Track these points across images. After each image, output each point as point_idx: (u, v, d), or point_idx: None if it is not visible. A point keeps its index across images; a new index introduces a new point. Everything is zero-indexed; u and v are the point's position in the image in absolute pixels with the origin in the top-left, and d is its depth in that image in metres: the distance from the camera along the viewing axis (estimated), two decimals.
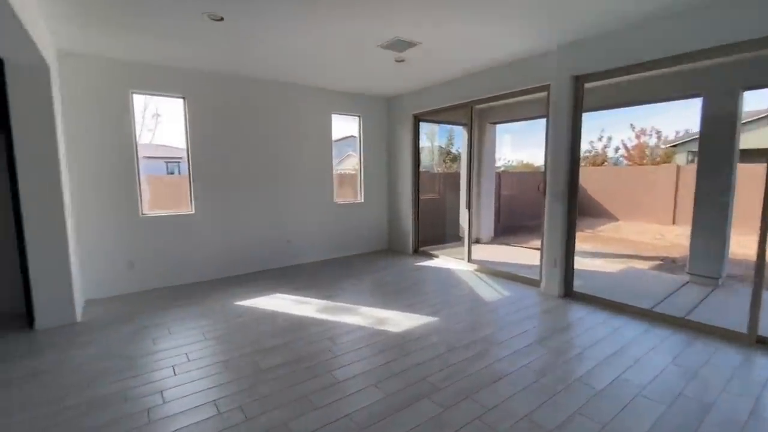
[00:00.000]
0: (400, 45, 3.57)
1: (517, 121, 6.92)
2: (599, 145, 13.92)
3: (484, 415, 2.01)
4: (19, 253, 3.19)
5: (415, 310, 3.50)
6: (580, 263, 3.89)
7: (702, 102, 4.24)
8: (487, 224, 7.20)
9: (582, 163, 3.83)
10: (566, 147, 3.72)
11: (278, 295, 4.01)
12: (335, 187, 5.73)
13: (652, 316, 3.33)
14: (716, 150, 4.17)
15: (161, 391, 2.26)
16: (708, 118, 4.20)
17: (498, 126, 7.15)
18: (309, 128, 5.31)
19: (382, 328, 3.12)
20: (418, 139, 5.80)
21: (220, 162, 4.62)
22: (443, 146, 8.98)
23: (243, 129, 4.76)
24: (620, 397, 2.17)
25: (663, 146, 12.67)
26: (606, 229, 9.25)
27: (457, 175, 7.19)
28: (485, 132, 6.97)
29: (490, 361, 2.56)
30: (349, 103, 5.65)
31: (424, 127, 6.07)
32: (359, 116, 5.84)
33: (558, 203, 3.79)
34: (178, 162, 5.63)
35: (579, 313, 3.45)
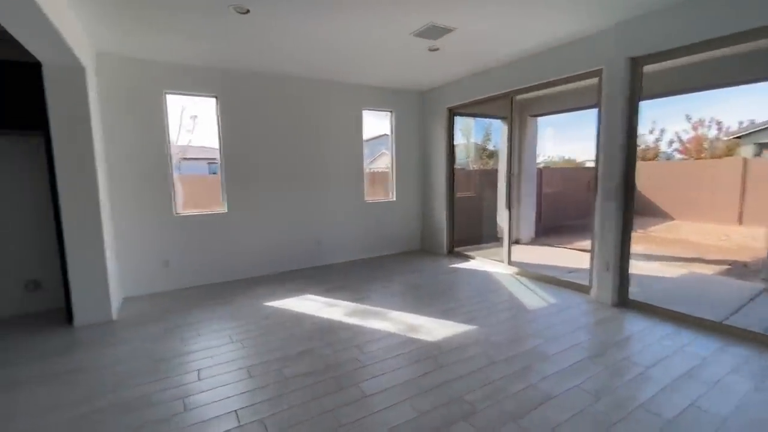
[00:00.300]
0: (434, 32, 3.33)
1: (561, 112, 6.45)
2: (650, 138, 12.87)
3: None
4: (59, 251, 3.27)
5: (450, 317, 3.26)
6: (633, 267, 3.49)
7: None
8: (527, 224, 6.78)
9: None
10: (621, 139, 3.32)
11: (307, 296, 3.90)
12: (366, 185, 5.57)
13: (725, 330, 2.89)
14: None
15: (184, 398, 2.18)
16: None
17: (539, 119, 6.72)
18: (340, 125, 5.18)
19: (414, 335, 2.91)
20: (453, 134, 5.52)
21: (251, 161, 4.59)
22: (479, 143, 8.59)
23: (274, 128, 4.70)
24: (695, 430, 1.84)
25: (725, 138, 11.49)
26: (659, 229, 8.48)
27: (494, 172, 6.82)
28: (526, 125, 6.55)
29: (536, 380, 2.28)
30: (380, 98, 5.47)
31: (459, 123, 5.77)
32: (391, 111, 5.64)
33: (611, 201, 3.41)
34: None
35: (637, 324, 3.06)
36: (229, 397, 2.17)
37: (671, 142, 12.81)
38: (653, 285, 4.28)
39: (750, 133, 10.44)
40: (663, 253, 6.08)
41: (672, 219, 9.40)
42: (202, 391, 2.24)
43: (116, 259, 3.91)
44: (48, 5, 2.16)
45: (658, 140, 12.92)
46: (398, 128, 5.71)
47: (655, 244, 6.79)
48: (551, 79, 3.96)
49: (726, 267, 5.17)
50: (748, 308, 3.46)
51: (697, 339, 2.78)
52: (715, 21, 2.71)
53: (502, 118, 6.27)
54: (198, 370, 2.48)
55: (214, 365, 2.54)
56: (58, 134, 3.07)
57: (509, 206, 4.68)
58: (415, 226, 6.07)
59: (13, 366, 2.61)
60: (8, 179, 3.45)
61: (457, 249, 5.67)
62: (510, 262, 4.70)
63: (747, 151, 10.32)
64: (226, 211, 4.51)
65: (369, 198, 5.64)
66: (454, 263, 5.14)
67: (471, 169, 7.61)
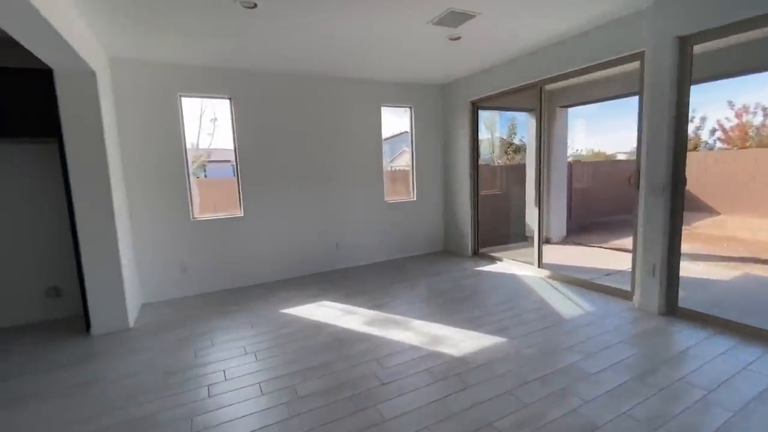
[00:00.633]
0: (453, 19, 3.07)
1: (594, 102, 6.02)
2: (690, 128, 11.99)
3: None
4: (76, 258, 3.24)
5: (477, 327, 3.01)
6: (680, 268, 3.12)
7: None
8: (557, 222, 6.38)
9: None
10: (669, 129, 2.97)
11: (325, 302, 3.73)
12: (386, 184, 5.36)
13: None
14: None
15: (192, 418, 2.04)
16: None
17: (569, 110, 6.30)
18: (357, 123, 5.00)
19: (437, 349, 2.68)
20: (477, 129, 5.22)
21: (267, 163, 4.47)
22: (504, 137, 8.21)
23: (289, 128, 4.56)
24: None
25: None
26: (704, 225, 7.83)
27: (521, 168, 6.46)
28: (555, 117, 6.16)
29: (577, 404, 2.01)
30: (399, 94, 5.24)
31: (483, 117, 5.46)
32: (411, 107, 5.40)
33: (657, 198, 3.05)
34: None
35: (690, 337, 2.72)
36: (238, 418, 2.02)
37: (713, 131, 11.89)
38: (704, 289, 3.86)
39: None
40: (710, 252, 5.57)
41: (717, 213, 8.68)
42: (211, 411, 2.10)
43: (136, 266, 3.88)
44: (52, 13, 2.13)
45: (698, 129, 12.03)
46: (418, 124, 5.47)
47: (700, 242, 6.25)
48: (585, 66, 3.62)
49: None
50: None
51: (765, 355, 2.42)
52: None
53: (530, 111, 5.92)
54: (208, 385, 2.35)
55: (226, 380, 2.40)
56: (70, 140, 3.02)
57: (539, 204, 4.36)
58: (437, 227, 5.81)
59: (22, 377, 2.56)
60: (27, 186, 3.46)
61: (482, 250, 5.38)
62: (540, 264, 4.38)
63: None
64: (243, 214, 4.41)
65: (389, 198, 5.43)
66: (479, 266, 4.86)
67: (496, 165, 7.27)
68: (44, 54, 2.63)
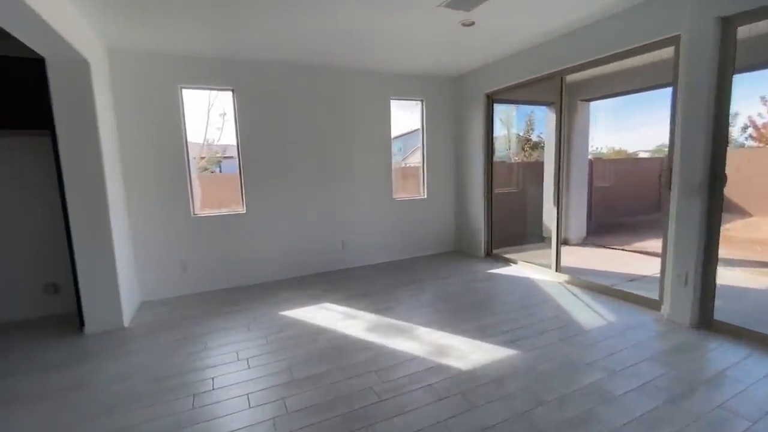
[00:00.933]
0: (466, 0, 2.82)
1: (618, 95, 5.64)
2: None
3: None
4: (70, 254, 3.13)
5: (487, 337, 2.77)
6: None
7: None
8: (577, 222, 6.05)
9: None
10: (707, 121, 2.65)
11: (326, 304, 3.55)
12: (395, 181, 5.14)
13: None
14: None
15: None
16: None
17: (591, 104, 5.94)
18: (365, 117, 4.78)
19: (442, 361, 2.45)
20: (492, 122, 4.93)
21: (270, 157, 4.30)
22: (521, 134, 7.85)
23: (294, 121, 4.38)
24: None
25: None
26: (734, 227, 7.34)
27: (539, 165, 6.14)
28: (575, 111, 5.81)
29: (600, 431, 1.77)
30: (409, 86, 4.99)
31: (499, 113, 5.17)
32: (422, 100, 5.16)
33: (693, 199, 2.75)
34: None
35: (728, 355, 2.42)
36: None
37: (745, 128, 11.22)
38: (739, 299, 3.52)
39: None
40: (745, 257, 5.16)
41: (749, 215, 8.15)
42: (193, 424, 1.93)
43: (134, 263, 3.78)
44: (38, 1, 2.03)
45: (729, 126, 11.35)
46: (429, 118, 5.21)
47: (732, 246, 5.82)
48: (612, 53, 3.31)
49: None
50: None
51: None
52: None
53: (549, 104, 5.59)
54: (194, 395, 2.19)
55: (214, 389, 2.24)
56: (62, 131, 2.91)
57: (558, 203, 4.07)
58: (448, 226, 5.56)
59: (14, 377, 2.47)
60: (26, 179, 3.37)
61: (495, 251, 5.11)
62: (558, 268, 4.09)
63: None
64: (245, 211, 4.26)
65: (398, 195, 5.21)
66: (492, 268, 4.60)
67: (512, 161, 6.95)
68: (32, 42, 2.52)
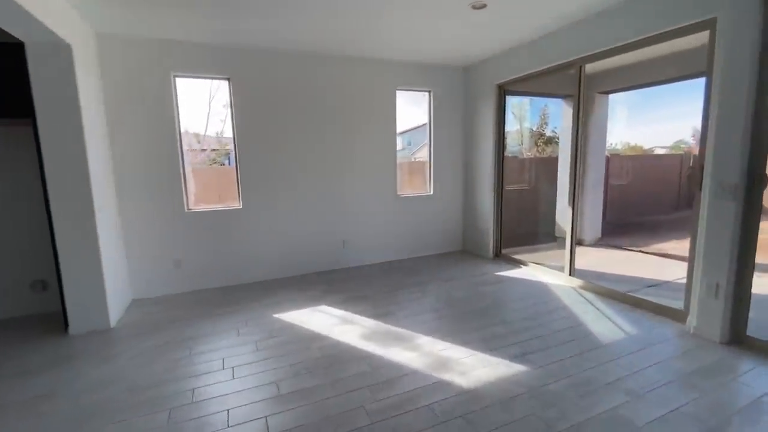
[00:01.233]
0: None
1: (641, 87, 5.29)
2: None
3: None
4: (53, 250, 2.98)
5: (493, 349, 2.54)
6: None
7: None
8: (592, 221, 5.74)
9: None
10: (746, 115, 2.36)
11: (323, 307, 3.35)
12: (400, 177, 4.90)
13: None
14: None
15: None
16: None
17: (610, 96, 5.60)
18: (369, 108, 4.54)
19: (443, 376, 2.23)
20: (504, 115, 4.65)
21: (268, 150, 4.10)
22: (534, 128, 7.51)
23: (294, 112, 4.16)
24: None
25: None
26: (765, 229, 6.95)
27: (552, 161, 5.83)
28: (593, 104, 5.48)
29: None
30: (416, 76, 4.73)
31: (511, 106, 4.88)
32: (429, 91, 4.89)
33: (728, 201, 2.46)
34: None
35: (765, 378, 2.15)
36: None
37: None
38: None
39: None
40: None
41: None
42: None
43: (125, 260, 3.63)
44: None
45: None
46: (437, 110, 4.94)
47: (764, 251, 5.45)
48: (638, 39, 3.01)
49: None
50: None
51: None
52: None
53: (565, 97, 5.29)
54: (170, 409, 2.01)
55: (191, 403, 2.06)
56: (43, 119, 2.74)
57: (573, 203, 3.79)
58: (455, 224, 5.31)
59: None
60: (12, 172, 3.23)
61: (505, 251, 4.85)
62: (572, 272, 3.82)
63: None
64: (241, 206, 4.07)
65: (403, 192, 4.97)
66: (501, 270, 4.34)
67: (524, 157, 6.64)
68: (7, 25, 2.35)
